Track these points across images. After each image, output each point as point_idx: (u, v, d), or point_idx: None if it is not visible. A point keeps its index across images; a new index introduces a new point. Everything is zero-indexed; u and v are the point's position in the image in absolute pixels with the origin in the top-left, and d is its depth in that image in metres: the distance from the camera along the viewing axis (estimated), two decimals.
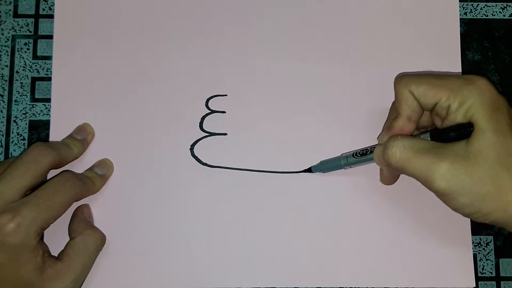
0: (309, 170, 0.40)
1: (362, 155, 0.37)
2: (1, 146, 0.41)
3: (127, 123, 0.41)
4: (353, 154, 0.38)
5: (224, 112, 0.41)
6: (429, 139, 0.33)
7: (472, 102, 0.32)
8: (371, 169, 0.40)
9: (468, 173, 0.31)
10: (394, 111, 0.37)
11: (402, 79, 0.35)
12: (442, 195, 0.32)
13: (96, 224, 0.39)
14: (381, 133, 0.37)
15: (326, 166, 0.39)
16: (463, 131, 0.32)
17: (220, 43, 0.42)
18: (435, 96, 0.33)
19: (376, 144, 0.36)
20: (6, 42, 0.42)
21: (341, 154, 0.39)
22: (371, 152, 0.36)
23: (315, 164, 0.40)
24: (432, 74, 0.35)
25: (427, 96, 0.33)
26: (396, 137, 0.34)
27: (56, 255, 0.36)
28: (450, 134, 0.32)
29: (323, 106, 0.41)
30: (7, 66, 0.42)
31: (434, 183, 0.31)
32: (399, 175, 0.39)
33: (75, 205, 0.38)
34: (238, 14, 0.42)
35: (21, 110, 0.41)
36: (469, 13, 0.43)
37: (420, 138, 0.34)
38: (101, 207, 0.39)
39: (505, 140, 0.31)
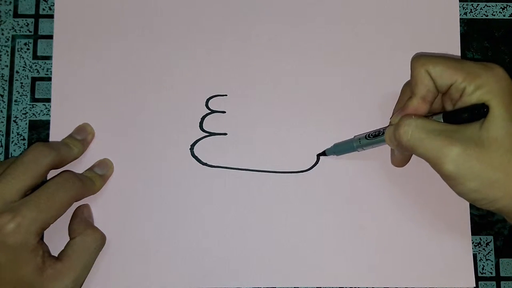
0: (323, 153, 0.40)
1: (375, 137, 0.37)
2: (1, 146, 0.41)
3: (127, 123, 0.41)
4: (365, 136, 0.38)
5: (224, 112, 0.41)
6: (442, 120, 0.33)
7: (489, 87, 0.32)
8: (371, 169, 0.40)
9: (480, 159, 0.31)
10: (406, 93, 0.37)
11: (419, 58, 0.34)
12: (450, 179, 0.32)
13: (96, 224, 0.39)
14: (393, 114, 0.37)
15: (339, 149, 0.39)
16: (476, 112, 0.32)
17: (220, 43, 0.42)
18: (451, 77, 0.33)
19: (389, 125, 0.36)
20: (6, 42, 0.42)
21: (354, 136, 0.39)
22: (383, 133, 0.36)
23: (329, 147, 0.40)
24: (449, 57, 0.35)
25: (443, 76, 0.33)
26: (409, 116, 0.33)
27: (56, 255, 0.36)
28: (463, 115, 0.32)
29: (323, 106, 0.41)
30: (7, 66, 0.42)
31: (444, 166, 0.31)
32: (410, 157, 0.38)
33: (75, 205, 0.38)
34: (238, 14, 0.42)
35: (21, 110, 0.41)
36: (469, 13, 0.43)
37: (433, 119, 0.34)
38: (101, 207, 0.39)
39: None
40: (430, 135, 0.32)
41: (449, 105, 0.35)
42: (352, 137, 0.39)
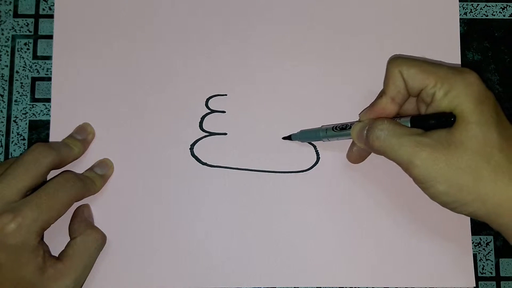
0: (289, 137, 0.40)
1: (342, 129, 0.37)
2: (1, 146, 0.41)
3: (127, 123, 0.41)
4: (332, 128, 0.38)
5: (224, 112, 0.41)
6: (409, 124, 0.34)
7: (457, 92, 0.32)
8: (371, 170, 0.40)
9: (448, 162, 0.31)
10: (378, 96, 0.37)
11: (395, 59, 0.35)
12: (421, 182, 0.33)
13: (96, 224, 0.39)
14: (363, 110, 0.37)
15: (305, 136, 0.40)
16: (443, 120, 0.32)
17: (220, 43, 0.42)
18: (423, 81, 0.33)
19: (356, 121, 0.36)
20: (6, 42, 0.42)
21: (322, 126, 0.39)
22: (350, 128, 0.36)
23: (295, 132, 0.40)
24: (427, 60, 0.36)
25: (415, 79, 0.34)
26: (382, 120, 0.34)
27: (57, 255, 0.36)
28: (430, 121, 0.33)
29: (322, 106, 0.41)
30: (7, 66, 0.42)
31: (414, 169, 0.32)
32: (368, 155, 0.39)
33: (75, 205, 0.38)
34: (238, 14, 0.42)
35: (21, 110, 0.41)
36: (469, 13, 0.43)
37: (400, 122, 0.34)
38: (101, 207, 0.39)
39: (488, 133, 0.31)
40: (401, 140, 0.33)
41: (423, 108, 0.35)
42: (320, 126, 0.39)
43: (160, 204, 0.40)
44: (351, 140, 0.39)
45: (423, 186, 0.33)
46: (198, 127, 0.41)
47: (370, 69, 0.41)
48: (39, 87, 0.42)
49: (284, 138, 0.40)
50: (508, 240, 0.33)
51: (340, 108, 0.41)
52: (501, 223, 0.32)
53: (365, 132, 0.35)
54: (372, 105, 0.36)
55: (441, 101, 0.33)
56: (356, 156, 0.39)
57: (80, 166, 0.39)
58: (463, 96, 0.32)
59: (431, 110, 0.34)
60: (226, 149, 0.40)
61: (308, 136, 0.40)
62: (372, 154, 0.38)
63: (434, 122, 0.33)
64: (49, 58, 0.42)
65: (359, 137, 0.36)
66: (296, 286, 0.39)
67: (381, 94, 0.36)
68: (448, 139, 0.32)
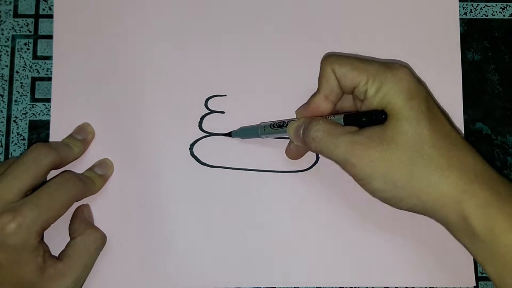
0: (229, 134, 0.40)
1: (279, 127, 0.38)
2: (1, 146, 0.41)
3: (127, 123, 0.41)
4: (270, 125, 0.38)
5: (223, 112, 0.41)
6: (343, 121, 0.34)
7: (387, 89, 0.32)
8: None
9: (382, 159, 0.32)
10: (313, 95, 0.37)
11: (328, 57, 0.35)
12: (358, 179, 0.33)
13: (96, 224, 0.39)
14: (299, 108, 0.37)
15: (244, 133, 0.40)
16: (374, 118, 0.33)
17: (219, 43, 0.42)
18: (354, 79, 0.34)
19: (293, 118, 0.37)
20: (6, 42, 0.42)
21: (260, 123, 0.39)
22: (287, 125, 0.37)
23: (235, 129, 0.40)
24: (358, 57, 0.36)
25: (347, 77, 0.34)
26: (317, 120, 0.34)
27: (57, 255, 0.36)
28: (362, 119, 0.33)
29: None
30: (7, 66, 0.42)
31: (351, 168, 0.33)
32: (305, 153, 0.39)
33: (75, 205, 0.38)
34: (238, 14, 0.42)
35: (21, 110, 0.42)
36: (469, 13, 0.43)
37: (334, 119, 0.34)
38: (101, 207, 0.39)
39: (418, 128, 0.32)
40: (336, 140, 0.33)
41: (358, 105, 0.35)
42: (259, 123, 0.40)
43: (160, 204, 0.40)
44: None
45: (361, 183, 0.33)
46: (198, 127, 0.41)
47: None
48: (39, 87, 0.42)
49: (224, 135, 0.40)
50: (451, 233, 0.33)
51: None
52: (440, 217, 0.32)
53: (301, 132, 0.35)
54: (307, 103, 0.36)
55: (373, 98, 0.33)
56: (294, 153, 0.39)
57: (80, 166, 0.39)
58: (393, 93, 0.32)
59: (364, 108, 0.34)
60: (225, 149, 0.40)
61: (248, 133, 0.40)
62: None
63: (366, 120, 0.33)
64: (49, 58, 0.42)
65: (296, 136, 0.36)
66: (296, 286, 0.39)
67: (316, 92, 0.36)
68: (380, 136, 0.32)
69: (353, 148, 0.32)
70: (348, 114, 0.34)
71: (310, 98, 0.36)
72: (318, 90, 0.36)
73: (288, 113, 0.41)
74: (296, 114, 0.37)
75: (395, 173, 0.32)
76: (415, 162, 0.31)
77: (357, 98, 0.35)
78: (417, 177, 0.31)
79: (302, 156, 0.39)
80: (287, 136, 0.37)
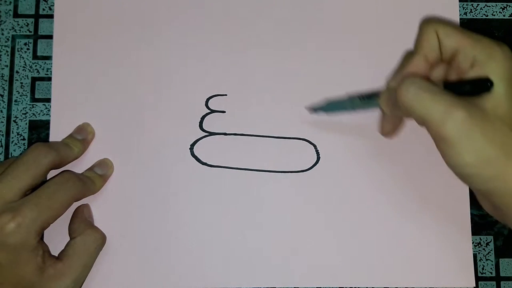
0: (313, 110, 0.39)
1: (369, 98, 0.35)
2: (1, 146, 0.41)
3: (127, 123, 0.41)
4: (358, 97, 0.36)
5: (224, 112, 0.41)
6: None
7: (499, 62, 0.31)
8: (372, 170, 0.40)
9: (483, 132, 0.29)
10: (406, 60, 0.35)
11: (431, 19, 0.34)
12: (449, 146, 0.30)
13: (96, 224, 0.39)
14: (391, 77, 0.35)
15: (330, 107, 0.38)
16: (480, 86, 0.30)
17: (220, 43, 0.42)
18: (459, 40, 0.32)
19: (385, 88, 0.35)
20: (6, 42, 0.42)
21: (348, 94, 0.38)
22: (378, 96, 0.34)
23: (320, 103, 0.39)
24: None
25: (451, 37, 0.32)
26: (413, 77, 0.31)
27: (56, 255, 0.36)
28: (465, 87, 0.31)
29: None
30: (7, 66, 0.42)
31: (446, 129, 0.29)
32: (401, 125, 0.37)
33: (75, 205, 0.38)
34: (238, 14, 0.42)
35: (21, 110, 0.41)
36: (469, 13, 0.43)
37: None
38: (101, 207, 0.39)
39: None
40: (434, 96, 0.30)
41: (454, 78, 0.34)
42: (346, 95, 0.38)
43: (160, 204, 0.40)
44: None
45: (448, 152, 0.30)
46: (198, 127, 0.41)
47: (370, 69, 0.41)
48: (39, 87, 0.42)
49: (308, 109, 0.39)
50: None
51: None
52: None
53: (394, 91, 0.32)
54: (402, 66, 0.34)
55: (482, 67, 0.31)
56: (389, 126, 0.37)
57: (80, 166, 0.39)
58: (504, 67, 0.30)
59: (462, 78, 0.32)
60: (226, 149, 0.40)
61: (334, 107, 0.38)
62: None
63: (469, 87, 0.30)
64: (49, 58, 0.42)
65: (387, 102, 0.33)
66: (296, 286, 0.39)
67: (412, 55, 0.34)
68: (486, 109, 0.30)
69: (455, 109, 0.29)
70: (448, 82, 0.32)
71: (404, 61, 0.34)
72: (415, 51, 0.33)
73: (289, 112, 0.41)
74: (388, 83, 0.34)
75: (494, 150, 0.29)
76: None
77: (455, 67, 0.33)
78: None
79: (398, 131, 0.37)
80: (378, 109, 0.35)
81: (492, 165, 0.29)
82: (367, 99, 0.36)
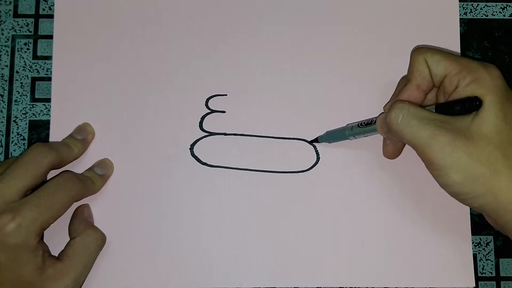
0: (315, 140, 0.40)
1: (367, 125, 0.37)
2: (1, 146, 0.41)
3: (127, 123, 0.41)
4: (358, 124, 0.38)
5: (224, 112, 0.41)
6: (434, 111, 0.33)
7: (484, 83, 0.32)
8: (371, 170, 0.40)
9: (467, 152, 0.31)
10: (401, 85, 0.37)
11: (420, 48, 0.36)
12: (436, 169, 0.32)
13: (96, 224, 0.39)
14: (387, 103, 0.37)
15: (331, 137, 0.39)
16: (468, 105, 0.32)
17: (220, 42, 0.42)
18: (447, 67, 0.34)
19: (382, 113, 0.36)
20: (6, 42, 0.42)
21: (347, 124, 0.39)
22: (375, 122, 0.36)
23: (321, 134, 0.40)
24: (451, 52, 0.36)
25: (440, 65, 0.34)
26: (402, 101, 0.34)
27: (56, 255, 0.36)
28: (455, 107, 0.32)
29: (323, 106, 0.41)
30: (7, 66, 0.42)
31: (431, 154, 0.31)
32: (402, 148, 0.38)
33: (75, 205, 0.38)
34: (238, 14, 0.42)
35: (21, 110, 0.41)
36: (469, 13, 0.43)
37: (426, 109, 0.34)
38: (101, 207, 0.39)
39: (508, 127, 0.31)
40: (421, 122, 0.32)
41: (443, 99, 0.35)
42: (345, 125, 0.39)
43: (160, 204, 0.40)
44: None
45: (437, 173, 0.32)
46: (198, 127, 0.41)
47: (370, 69, 0.41)
48: (39, 87, 0.42)
49: (311, 141, 0.40)
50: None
51: (340, 107, 0.41)
52: (509, 220, 0.32)
53: (384, 116, 0.34)
54: (398, 95, 0.36)
55: (465, 89, 0.33)
56: (391, 151, 0.38)
57: (80, 166, 0.39)
58: (489, 87, 0.32)
59: (453, 98, 0.34)
60: (226, 149, 0.40)
61: (335, 136, 0.39)
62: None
63: (459, 107, 0.32)
64: (49, 58, 0.42)
65: (382, 126, 0.35)
66: (296, 286, 0.39)
67: (405, 82, 0.36)
68: (471, 129, 0.31)
69: (439, 133, 0.31)
70: (440, 103, 0.34)
71: (400, 90, 0.36)
72: (409, 80, 0.36)
73: (290, 113, 0.41)
74: (384, 109, 0.37)
75: (480, 168, 0.31)
76: (501, 161, 0.31)
77: (444, 91, 0.35)
78: (500, 176, 0.31)
79: (400, 154, 0.38)
80: (375, 135, 0.37)
81: (480, 182, 0.31)
82: (365, 125, 0.37)
